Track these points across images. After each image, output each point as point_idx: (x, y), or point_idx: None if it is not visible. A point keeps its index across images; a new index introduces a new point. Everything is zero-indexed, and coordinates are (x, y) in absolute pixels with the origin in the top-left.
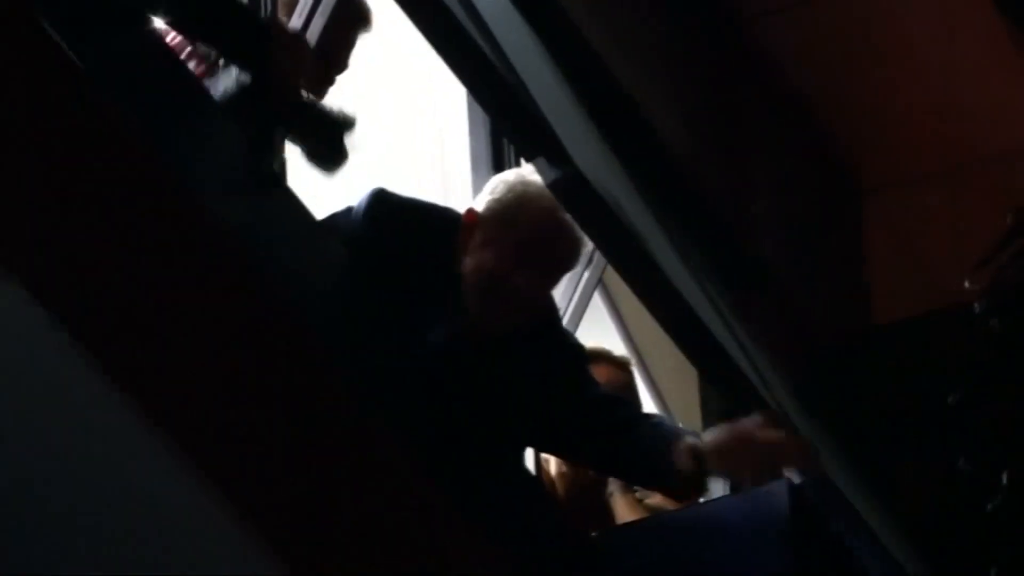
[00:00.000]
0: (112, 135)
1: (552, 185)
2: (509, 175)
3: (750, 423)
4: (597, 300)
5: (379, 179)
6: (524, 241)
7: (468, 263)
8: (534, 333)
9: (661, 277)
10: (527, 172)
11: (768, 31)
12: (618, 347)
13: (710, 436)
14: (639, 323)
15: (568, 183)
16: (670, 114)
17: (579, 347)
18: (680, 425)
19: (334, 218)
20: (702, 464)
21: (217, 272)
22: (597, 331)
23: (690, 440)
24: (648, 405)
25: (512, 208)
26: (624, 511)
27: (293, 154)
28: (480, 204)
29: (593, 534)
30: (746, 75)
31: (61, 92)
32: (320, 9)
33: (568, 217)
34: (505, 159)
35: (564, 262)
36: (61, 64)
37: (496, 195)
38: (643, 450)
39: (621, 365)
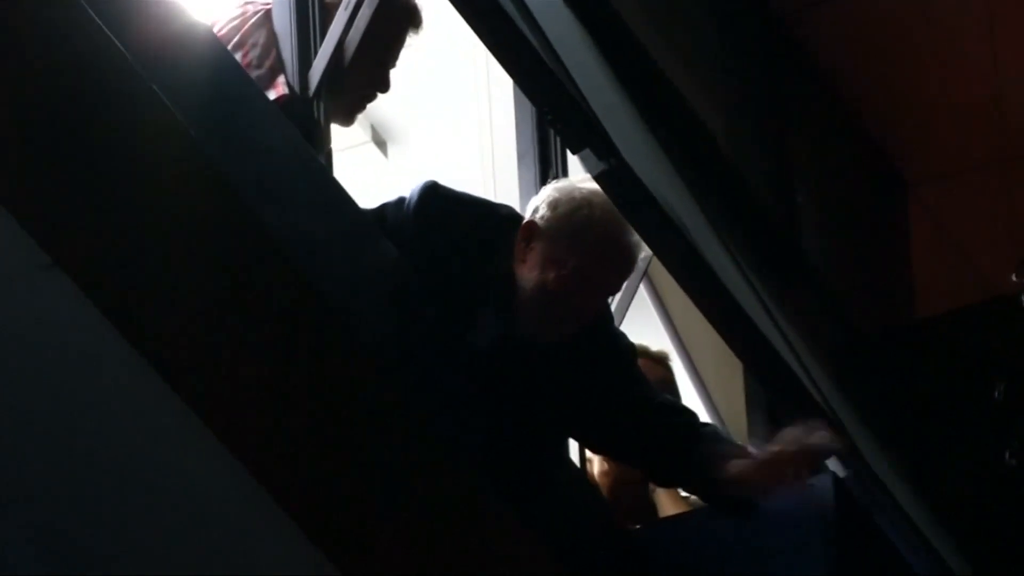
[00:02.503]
0: (162, 130)
1: (598, 177)
2: (574, 192)
3: (791, 436)
4: (642, 292)
5: (425, 171)
6: (589, 265)
7: (526, 276)
8: (585, 332)
9: (706, 269)
10: (590, 187)
11: (813, 23)
12: (663, 339)
13: (757, 457)
14: (684, 315)
15: (614, 175)
16: (716, 107)
17: (631, 348)
18: (724, 426)
19: (385, 208)
20: (752, 489)
21: (263, 266)
22: (642, 323)
23: (739, 465)
24: (692, 397)
25: (578, 231)
26: (668, 506)
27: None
28: (541, 216)
29: (637, 527)
30: (791, 67)
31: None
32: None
33: (631, 234)
34: (552, 151)
35: (624, 277)
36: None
37: (561, 212)
38: (697, 465)
39: (659, 360)
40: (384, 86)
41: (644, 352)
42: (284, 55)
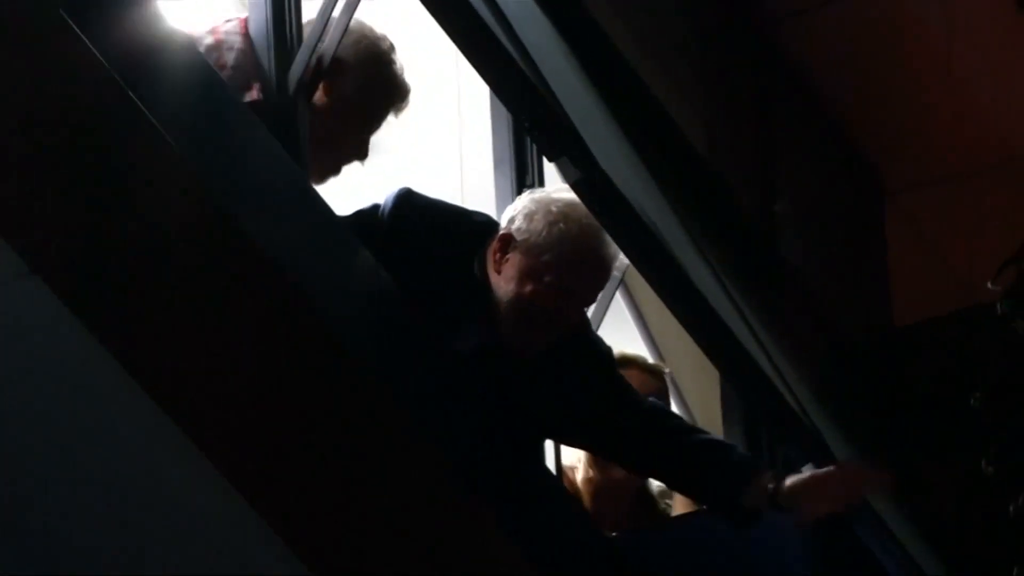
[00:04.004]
0: (140, 139)
1: (575, 185)
2: (550, 204)
3: (828, 473)
4: (619, 300)
5: (401, 178)
6: (565, 279)
7: (502, 287)
8: (564, 341)
9: (683, 278)
10: (566, 198)
11: (793, 32)
12: (639, 347)
13: (790, 481)
14: (660, 322)
15: (591, 183)
16: (696, 114)
17: (609, 352)
18: (703, 427)
19: (360, 214)
20: (774, 506)
21: (241, 273)
22: (618, 331)
23: (769, 483)
24: (670, 406)
25: (554, 244)
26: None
27: None
28: (517, 227)
29: (614, 534)
30: (772, 75)
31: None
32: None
33: (607, 247)
34: (528, 158)
35: (599, 290)
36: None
37: (537, 225)
38: (713, 472)
39: (654, 372)
40: (363, 154)
41: (641, 363)
42: (260, 60)
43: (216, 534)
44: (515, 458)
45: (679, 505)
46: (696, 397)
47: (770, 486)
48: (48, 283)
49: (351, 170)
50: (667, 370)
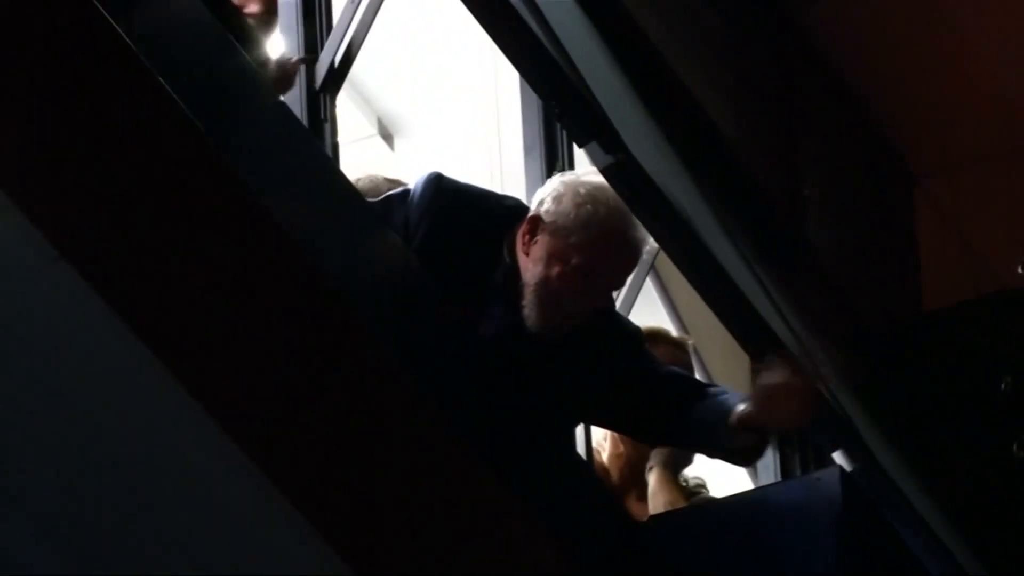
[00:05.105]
0: (167, 122)
1: (604, 170)
2: (579, 186)
3: (772, 378)
4: (649, 284)
5: (433, 163)
6: (592, 261)
7: (531, 271)
8: (591, 323)
9: (712, 262)
10: (595, 181)
11: (821, 14)
12: (669, 331)
13: (747, 405)
14: (690, 307)
15: (620, 168)
16: (721, 98)
17: (637, 330)
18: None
19: (390, 200)
20: (755, 433)
21: (270, 259)
22: (649, 315)
23: (738, 412)
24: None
25: (582, 227)
26: (660, 490)
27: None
28: (545, 209)
29: (644, 520)
30: (798, 59)
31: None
32: None
33: (635, 230)
34: (558, 144)
35: (627, 273)
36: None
37: (565, 207)
38: (706, 425)
39: (679, 345)
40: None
41: (665, 336)
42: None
43: (247, 524)
44: (546, 445)
45: (658, 491)
46: (725, 381)
47: (738, 416)
48: (76, 268)
49: (384, 156)
50: (691, 341)
